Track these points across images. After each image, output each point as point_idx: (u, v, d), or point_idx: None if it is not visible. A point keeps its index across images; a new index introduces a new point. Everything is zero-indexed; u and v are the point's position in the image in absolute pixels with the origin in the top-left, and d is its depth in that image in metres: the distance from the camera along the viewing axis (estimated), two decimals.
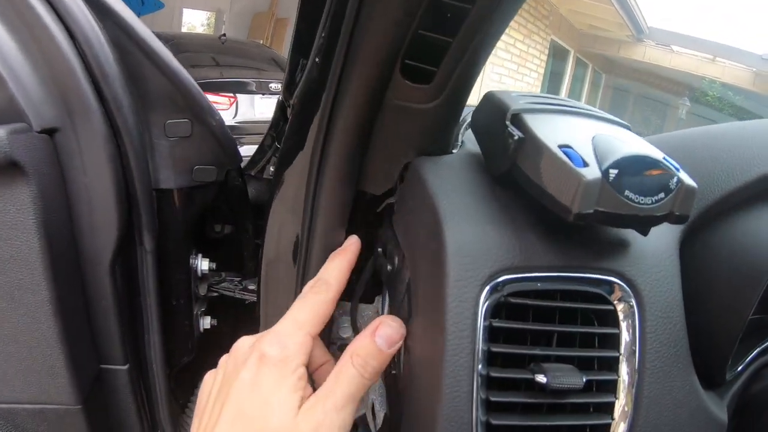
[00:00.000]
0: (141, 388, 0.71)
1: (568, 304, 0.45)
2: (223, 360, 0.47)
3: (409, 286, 0.50)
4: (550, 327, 0.44)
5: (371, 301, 0.65)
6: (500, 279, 0.43)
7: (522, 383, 0.44)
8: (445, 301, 0.41)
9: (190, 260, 0.70)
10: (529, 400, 0.43)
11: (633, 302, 0.46)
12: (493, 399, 0.42)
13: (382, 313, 0.60)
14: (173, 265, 0.68)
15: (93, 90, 0.57)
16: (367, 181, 0.57)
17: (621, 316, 0.46)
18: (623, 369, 0.46)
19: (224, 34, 4.02)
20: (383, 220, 0.61)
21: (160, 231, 0.65)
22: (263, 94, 3.40)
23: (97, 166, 0.59)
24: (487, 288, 0.42)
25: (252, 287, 0.75)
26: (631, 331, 0.46)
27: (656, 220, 0.43)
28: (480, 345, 0.42)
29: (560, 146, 0.42)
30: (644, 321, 0.46)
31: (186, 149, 0.64)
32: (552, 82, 9.81)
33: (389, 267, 0.55)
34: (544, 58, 8.94)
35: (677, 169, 0.43)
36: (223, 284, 0.75)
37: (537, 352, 0.44)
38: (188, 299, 0.71)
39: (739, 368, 0.57)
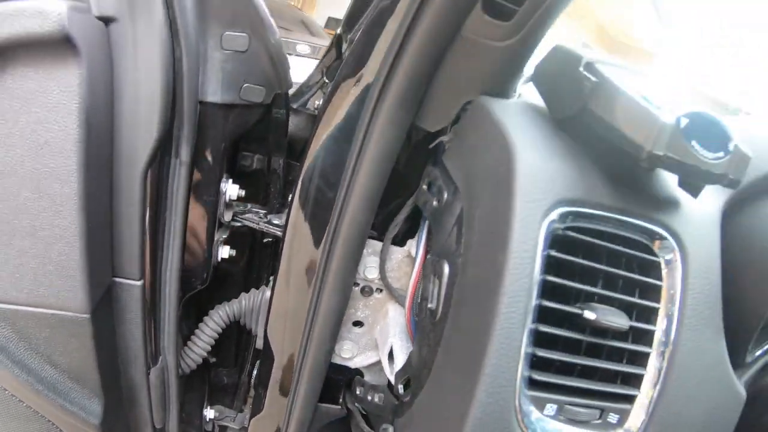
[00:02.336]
0: (151, 308, 0.72)
1: (618, 247, 0.48)
2: None
3: (460, 218, 0.53)
4: (605, 267, 0.47)
5: (403, 244, 0.68)
6: (563, 210, 0.46)
7: (567, 320, 0.47)
8: (513, 223, 0.44)
9: (221, 183, 0.72)
10: (575, 335, 0.46)
11: (678, 257, 0.50)
12: (542, 329, 0.45)
13: (417, 253, 0.63)
14: (204, 183, 0.70)
15: None
16: (423, 116, 0.60)
17: (664, 269, 0.50)
18: (661, 321, 0.49)
19: None
20: (429, 158, 0.64)
21: (197, 145, 0.67)
22: (289, 55, 3.37)
23: (148, 63, 0.61)
24: (552, 215, 0.45)
25: (277, 222, 0.77)
26: (672, 284, 0.50)
27: (712, 178, 0.47)
28: (537, 274, 0.45)
29: (635, 93, 0.46)
30: (686, 277, 0.50)
31: (239, 64, 0.66)
32: None
33: (435, 203, 0.58)
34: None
35: (735, 136, 0.47)
36: (247, 215, 0.77)
37: (588, 288, 0.47)
38: (212, 223, 0.72)
39: (758, 353, 0.61)
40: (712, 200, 0.54)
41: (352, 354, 0.74)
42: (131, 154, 0.64)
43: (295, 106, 0.76)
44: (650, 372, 0.49)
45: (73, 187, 0.61)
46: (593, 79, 0.48)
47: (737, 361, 0.58)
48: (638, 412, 0.49)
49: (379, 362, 0.74)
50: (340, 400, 0.80)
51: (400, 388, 0.60)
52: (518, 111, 0.54)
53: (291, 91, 0.75)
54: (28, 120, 0.60)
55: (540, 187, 0.46)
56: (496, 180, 0.48)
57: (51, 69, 0.58)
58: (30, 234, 0.64)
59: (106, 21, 0.60)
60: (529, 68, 0.61)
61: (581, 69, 0.49)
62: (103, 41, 0.60)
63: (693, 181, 0.49)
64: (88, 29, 0.58)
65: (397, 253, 0.68)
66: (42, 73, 0.58)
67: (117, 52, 0.61)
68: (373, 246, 0.67)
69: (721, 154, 0.46)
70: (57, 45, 0.56)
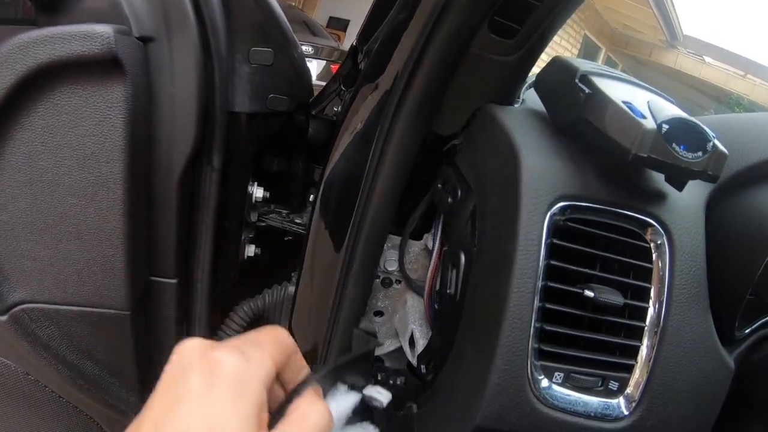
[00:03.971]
0: (184, 305, 0.82)
1: (613, 235, 0.59)
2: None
3: (473, 213, 0.63)
4: (602, 253, 0.58)
5: (419, 238, 0.78)
6: (563, 204, 0.56)
7: (570, 299, 0.58)
8: (520, 216, 0.54)
9: (248, 186, 0.82)
10: (576, 311, 0.57)
11: (665, 242, 0.60)
12: (548, 306, 0.56)
13: (434, 246, 0.73)
14: (233, 186, 0.80)
15: (193, 9, 0.69)
16: (437, 122, 0.70)
17: (654, 253, 0.60)
18: (653, 299, 0.60)
19: None
20: (443, 159, 0.74)
21: (227, 152, 0.77)
22: None
23: (184, 80, 0.71)
24: (554, 209, 0.56)
25: (298, 221, 0.87)
26: (662, 267, 0.60)
27: (693, 174, 0.57)
28: (542, 259, 0.55)
29: (623, 102, 0.56)
30: (673, 260, 0.60)
31: (265, 77, 0.76)
32: None
33: (450, 200, 0.68)
34: (575, 52, 9.35)
35: (714, 137, 0.57)
36: (271, 215, 0.87)
37: (587, 271, 0.57)
38: (240, 223, 0.82)
39: (746, 331, 0.72)
40: (696, 192, 0.64)
41: None
42: (169, 163, 0.74)
43: (313, 112, 0.86)
44: (645, 344, 0.60)
45: (117, 193, 0.71)
46: (587, 90, 0.58)
47: (727, 337, 0.69)
48: (636, 380, 0.59)
49: (398, 349, 0.85)
50: None
51: (422, 368, 0.70)
52: (522, 117, 0.64)
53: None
54: (76, 133, 0.69)
55: (543, 185, 0.56)
56: (505, 179, 0.58)
57: (98, 86, 0.68)
58: (76, 237, 0.74)
59: (145, 41, 0.70)
60: (531, 76, 0.72)
61: (577, 81, 0.60)
62: (143, 60, 0.70)
63: (676, 178, 0.59)
64: (131, 50, 0.68)
65: (414, 246, 0.78)
66: (89, 90, 0.68)
67: (155, 69, 0.71)
68: (392, 240, 0.78)
69: (699, 153, 0.56)
70: (104, 65, 0.66)
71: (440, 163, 0.75)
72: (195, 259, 0.82)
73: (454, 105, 0.69)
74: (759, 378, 0.74)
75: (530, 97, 0.72)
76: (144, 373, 0.83)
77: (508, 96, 0.68)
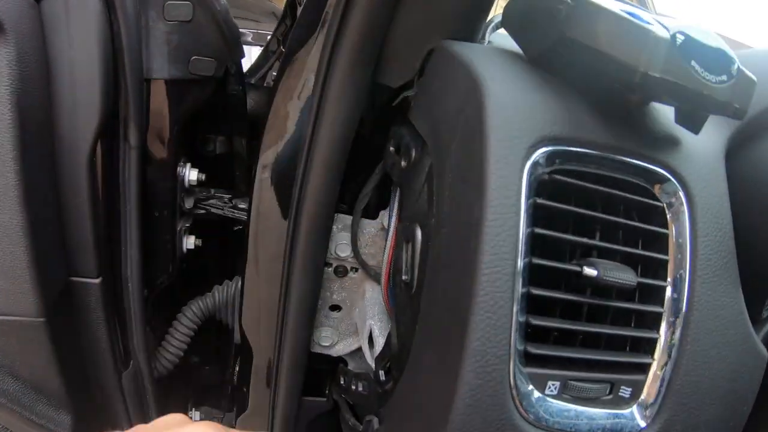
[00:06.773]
0: (114, 307, 0.62)
1: (617, 192, 0.38)
2: None
3: (429, 174, 0.42)
4: (603, 215, 0.37)
5: (374, 217, 0.57)
6: (546, 149, 0.35)
7: (562, 282, 0.37)
8: (488, 168, 0.34)
9: (178, 168, 0.61)
10: (572, 297, 0.36)
11: (683, 200, 0.39)
12: (534, 292, 0.35)
13: (390, 222, 0.52)
14: (158, 168, 0.59)
15: None
16: (384, 71, 0.50)
17: (669, 215, 0.40)
18: (671, 275, 0.39)
19: None
20: (395, 118, 0.53)
21: (148, 127, 0.57)
22: (260, 46, 3.21)
23: (84, 40, 0.51)
24: (534, 156, 0.35)
25: (242, 206, 0.66)
26: (680, 232, 0.39)
27: (716, 106, 0.37)
28: (522, 227, 0.34)
29: (621, 10, 0.36)
30: (694, 223, 0.39)
31: (184, 36, 0.56)
32: None
33: (403, 163, 0.47)
34: None
35: (737, 59, 0.37)
36: (211, 200, 0.66)
37: (585, 240, 0.36)
38: (172, 212, 0.62)
39: None
40: (713, 137, 0.44)
41: (332, 341, 0.63)
42: (73, 140, 0.54)
43: (252, 81, 0.65)
44: (663, 335, 0.39)
45: (10, 178, 0.51)
46: (568, 1, 0.37)
47: (753, 317, 0.48)
48: (653, 383, 0.39)
49: (361, 348, 0.64)
50: (326, 391, 0.70)
51: (381, 374, 0.49)
52: (488, 51, 0.43)
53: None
54: None
55: (517, 122, 0.35)
56: (465, 120, 0.37)
57: None
58: None
59: None
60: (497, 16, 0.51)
61: None
62: (33, 19, 0.50)
63: (693, 112, 0.38)
64: (15, 6, 0.48)
65: (369, 227, 0.57)
66: None
67: (50, 29, 0.52)
68: (344, 220, 0.57)
69: (724, 77, 0.36)
70: None
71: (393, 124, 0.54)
72: (121, 255, 0.61)
73: (402, 47, 0.48)
74: None
75: (497, 40, 0.52)
76: (74, 389, 0.63)
77: (469, 30, 0.47)
